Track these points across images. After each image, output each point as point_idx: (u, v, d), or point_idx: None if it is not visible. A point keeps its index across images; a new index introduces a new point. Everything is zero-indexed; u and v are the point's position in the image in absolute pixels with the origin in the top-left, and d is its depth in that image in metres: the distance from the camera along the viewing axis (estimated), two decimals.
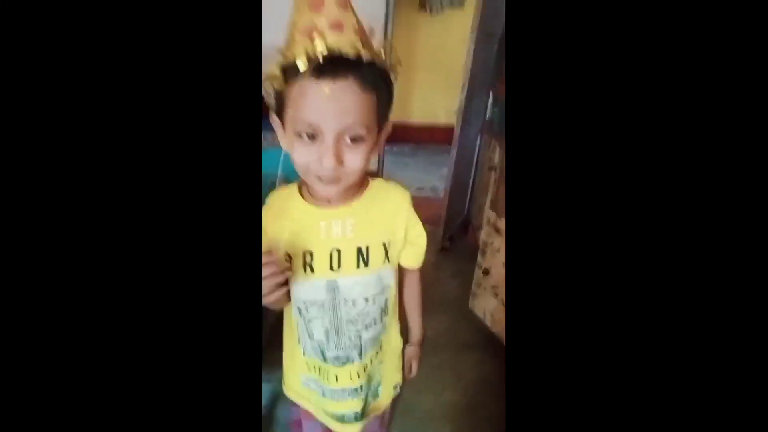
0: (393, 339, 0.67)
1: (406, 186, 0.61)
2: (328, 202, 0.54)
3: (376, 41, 0.48)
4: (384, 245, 0.56)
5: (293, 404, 0.73)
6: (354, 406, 0.64)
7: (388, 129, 0.53)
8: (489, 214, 1.21)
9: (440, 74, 3.33)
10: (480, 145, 1.96)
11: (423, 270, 1.92)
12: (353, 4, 0.47)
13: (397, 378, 0.71)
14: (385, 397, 0.70)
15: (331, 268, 0.54)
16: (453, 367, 1.30)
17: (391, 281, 0.60)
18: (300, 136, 0.45)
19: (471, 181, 2.09)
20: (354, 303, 0.56)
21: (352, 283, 0.55)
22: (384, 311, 0.60)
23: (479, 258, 1.29)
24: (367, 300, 0.57)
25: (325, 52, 0.42)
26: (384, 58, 0.47)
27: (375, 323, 0.59)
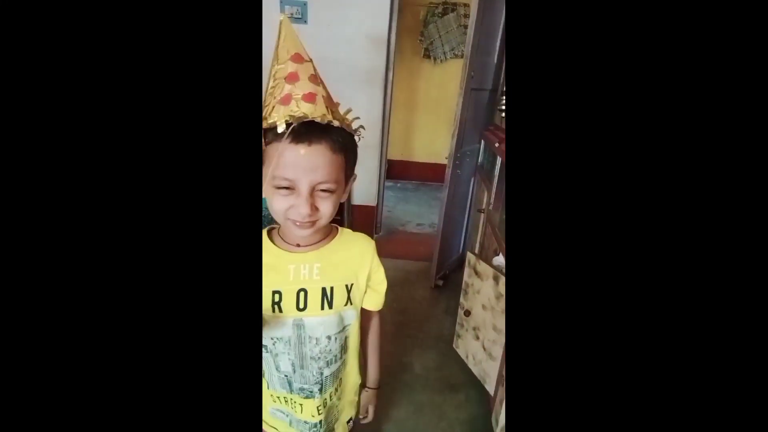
0: (352, 375, 0.72)
1: (370, 238, 0.68)
2: (297, 246, 0.61)
3: (343, 110, 0.57)
4: (347, 287, 0.62)
5: None
6: None
7: (353, 179, 0.61)
8: (469, 256, 1.27)
9: (441, 117, 3.51)
10: (474, 186, 2.04)
11: (417, 306, 1.95)
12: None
13: (351, 412, 0.76)
14: (339, 430, 0.75)
15: (298, 307, 0.59)
16: (438, 407, 1.32)
17: (352, 321, 0.65)
18: (278, 188, 0.52)
19: (465, 220, 2.16)
20: (317, 341, 0.61)
21: (316, 323, 0.60)
22: (344, 348, 0.66)
23: (461, 299, 1.33)
24: (329, 338, 0.62)
25: (302, 119, 0.50)
26: (350, 124, 0.56)
27: (336, 360, 0.65)
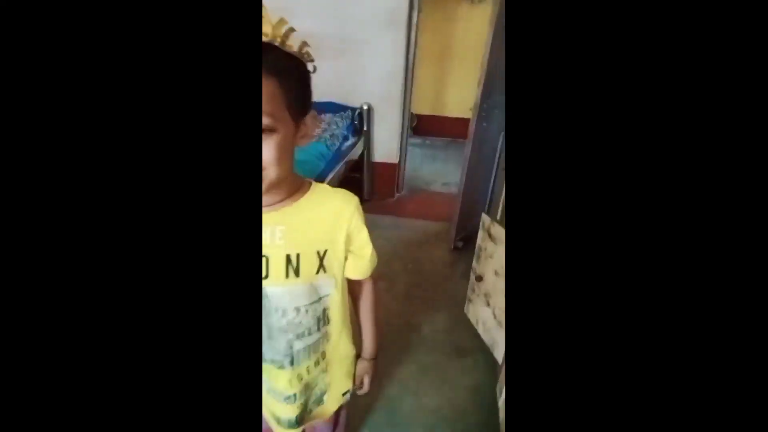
0: (342, 347, 0.65)
1: (352, 194, 0.59)
2: None
3: (282, 27, 0.44)
4: (318, 254, 0.54)
5: None
6: (289, 412, 0.63)
7: (307, 120, 0.50)
8: (484, 218, 1.16)
9: (478, 67, 3.19)
10: (502, 142, 1.87)
11: (433, 268, 1.88)
12: None
13: (347, 385, 0.70)
14: (331, 404, 0.69)
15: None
16: (443, 370, 1.29)
17: (330, 291, 0.58)
18: None
19: (493, 179, 2.01)
20: (284, 312, 0.55)
21: (281, 292, 0.54)
22: (321, 321, 0.59)
23: (474, 263, 1.25)
24: (298, 310, 0.55)
25: None
26: (285, 41, 0.45)
27: (309, 333, 0.58)
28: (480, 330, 1.26)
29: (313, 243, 0.54)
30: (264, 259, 0.52)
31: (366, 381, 0.73)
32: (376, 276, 0.67)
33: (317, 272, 0.55)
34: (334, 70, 1.97)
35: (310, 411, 0.68)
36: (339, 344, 0.64)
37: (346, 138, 1.97)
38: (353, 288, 0.65)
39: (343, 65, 1.99)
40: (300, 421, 0.65)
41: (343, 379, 0.69)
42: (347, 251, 0.58)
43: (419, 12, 1.97)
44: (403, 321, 1.48)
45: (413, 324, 1.48)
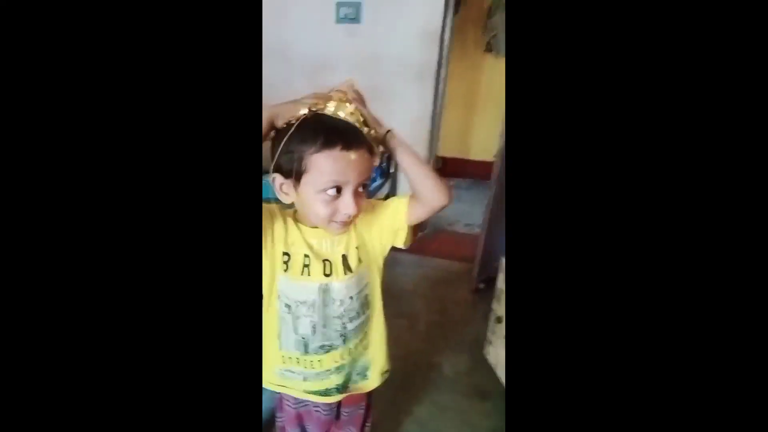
0: (379, 328, 0.77)
1: (414, 236, 0.71)
2: (314, 227, 0.65)
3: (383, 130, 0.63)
4: (357, 249, 0.68)
5: (278, 411, 0.85)
6: (336, 380, 0.74)
7: None
8: (503, 260, 1.22)
9: (501, 113, 3.33)
10: None
11: (455, 308, 1.90)
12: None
13: (385, 366, 0.81)
14: (373, 380, 0.79)
15: (325, 273, 0.66)
16: (463, 411, 1.29)
17: (367, 278, 0.70)
18: (325, 192, 0.57)
19: None
20: (341, 302, 0.68)
21: (341, 286, 0.67)
22: (365, 305, 0.72)
23: (494, 304, 1.28)
24: (351, 298, 0.68)
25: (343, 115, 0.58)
26: (377, 130, 0.62)
27: (358, 316, 0.71)
28: (499, 373, 1.27)
29: (352, 241, 0.68)
30: (327, 263, 0.66)
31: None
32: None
33: (358, 263, 0.68)
34: None
35: (356, 382, 0.78)
36: (377, 326, 0.76)
37: (374, 180, 2.11)
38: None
39: (375, 112, 2.16)
40: (343, 389, 0.76)
41: (382, 360, 0.80)
42: (387, 233, 0.69)
43: (447, 66, 2.14)
44: (423, 360, 1.50)
45: (433, 363, 1.49)
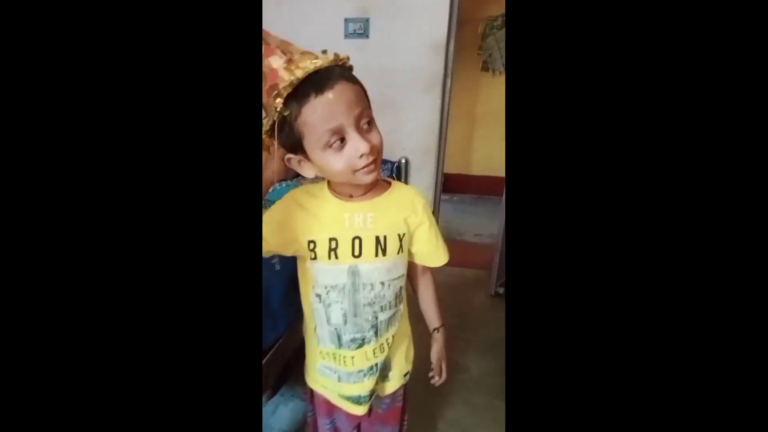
0: (404, 326, 0.72)
1: (417, 188, 0.70)
2: (350, 197, 0.63)
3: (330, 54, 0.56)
4: (399, 236, 0.65)
5: (309, 406, 0.80)
6: (369, 384, 0.69)
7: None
8: None
9: (500, 129, 3.45)
10: None
11: (475, 312, 1.89)
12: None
13: (407, 367, 0.76)
14: (395, 380, 0.75)
15: (353, 254, 0.62)
16: (496, 410, 1.24)
17: (403, 270, 0.67)
18: (330, 146, 0.54)
19: None
20: (372, 287, 0.63)
21: (371, 269, 0.63)
22: (398, 297, 0.67)
23: None
24: (383, 284, 0.64)
25: (311, 70, 0.52)
26: (347, 62, 0.57)
27: (390, 307, 0.66)
28: None
29: (394, 227, 0.65)
30: (357, 240, 0.62)
31: (444, 366, 0.79)
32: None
33: (398, 252, 0.65)
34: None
35: (378, 385, 0.73)
36: (404, 324, 0.73)
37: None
38: (412, 272, 0.74)
39: (385, 124, 2.20)
40: (370, 396, 0.71)
41: (403, 361, 0.75)
42: (421, 240, 0.68)
43: (452, 76, 2.22)
44: (451, 362, 1.45)
45: (462, 365, 1.45)
